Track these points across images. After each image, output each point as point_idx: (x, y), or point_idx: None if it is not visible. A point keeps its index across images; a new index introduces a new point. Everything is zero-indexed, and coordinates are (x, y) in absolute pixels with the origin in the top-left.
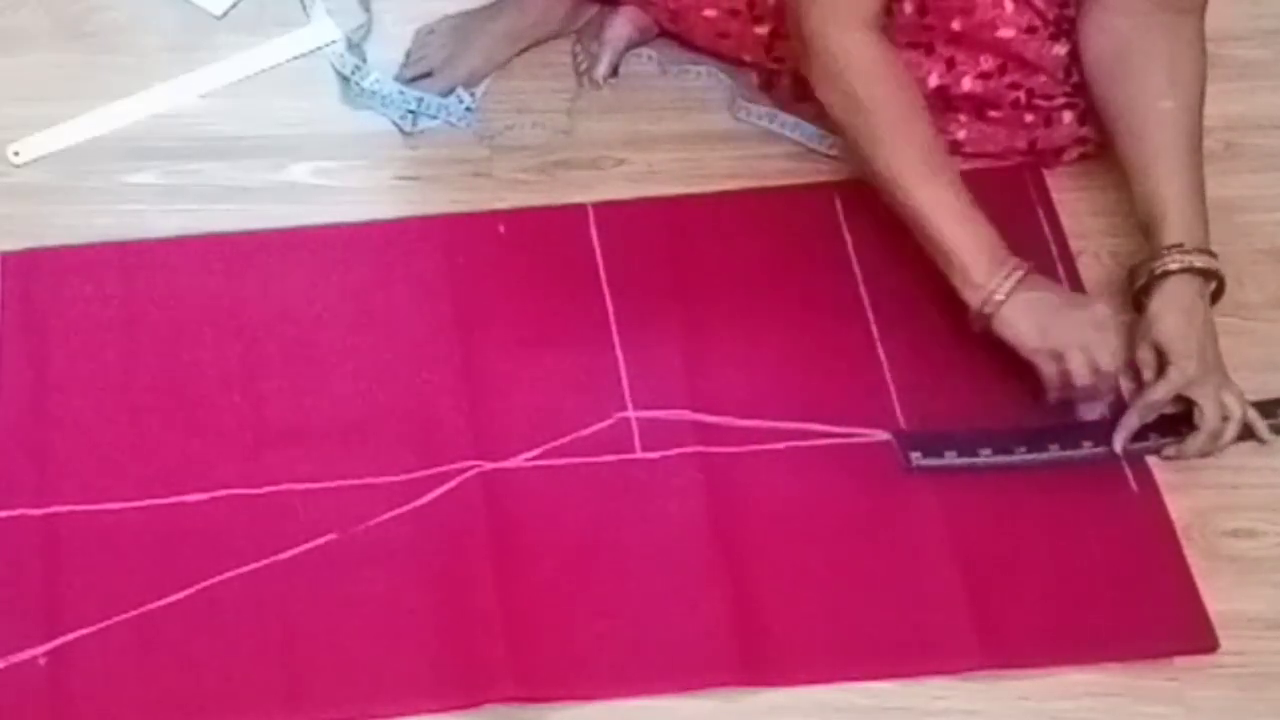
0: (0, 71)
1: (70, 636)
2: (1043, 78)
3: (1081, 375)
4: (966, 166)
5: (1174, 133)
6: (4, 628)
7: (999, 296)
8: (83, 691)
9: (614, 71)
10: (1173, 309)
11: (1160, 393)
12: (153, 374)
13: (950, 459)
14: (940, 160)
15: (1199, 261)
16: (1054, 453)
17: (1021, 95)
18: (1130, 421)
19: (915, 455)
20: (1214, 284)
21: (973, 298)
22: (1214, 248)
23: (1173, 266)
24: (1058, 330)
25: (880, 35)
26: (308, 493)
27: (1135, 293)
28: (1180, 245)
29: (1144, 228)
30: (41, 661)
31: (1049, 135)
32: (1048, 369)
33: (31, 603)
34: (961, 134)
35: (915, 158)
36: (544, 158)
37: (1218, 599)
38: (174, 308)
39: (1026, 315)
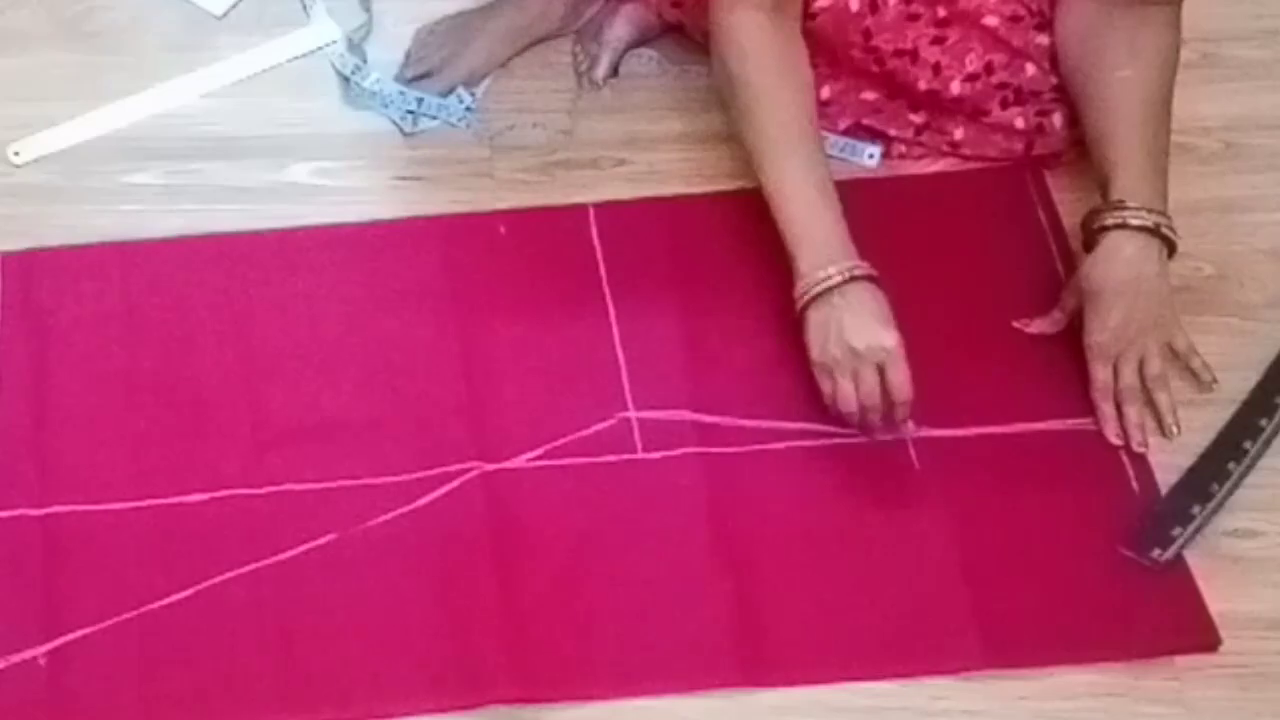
0: (0, 71)
1: (71, 636)
2: (1030, 69)
3: (845, 402)
4: (966, 168)
5: (1129, 99)
6: (4, 627)
7: (809, 296)
8: (83, 691)
9: (614, 72)
10: (1103, 269)
11: (1096, 375)
12: (154, 374)
13: (1178, 533)
14: (801, 143)
15: (1135, 219)
16: (1238, 468)
17: (1010, 94)
18: (1104, 410)
19: (1156, 552)
20: (1161, 243)
21: (796, 284)
22: (1214, 247)
23: (1108, 222)
24: (836, 352)
25: (772, 17)
26: (308, 493)
27: (1083, 248)
28: (1121, 202)
29: (1100, 191)
30: (42, 661)
31: (1045, 142)
32: (821, 385)
33: (32, 602)
34: (959, 133)
35: (774, 136)
36: (544, 158)
37: (1218, 599)
38: (175, 308)
39: (821, 325)
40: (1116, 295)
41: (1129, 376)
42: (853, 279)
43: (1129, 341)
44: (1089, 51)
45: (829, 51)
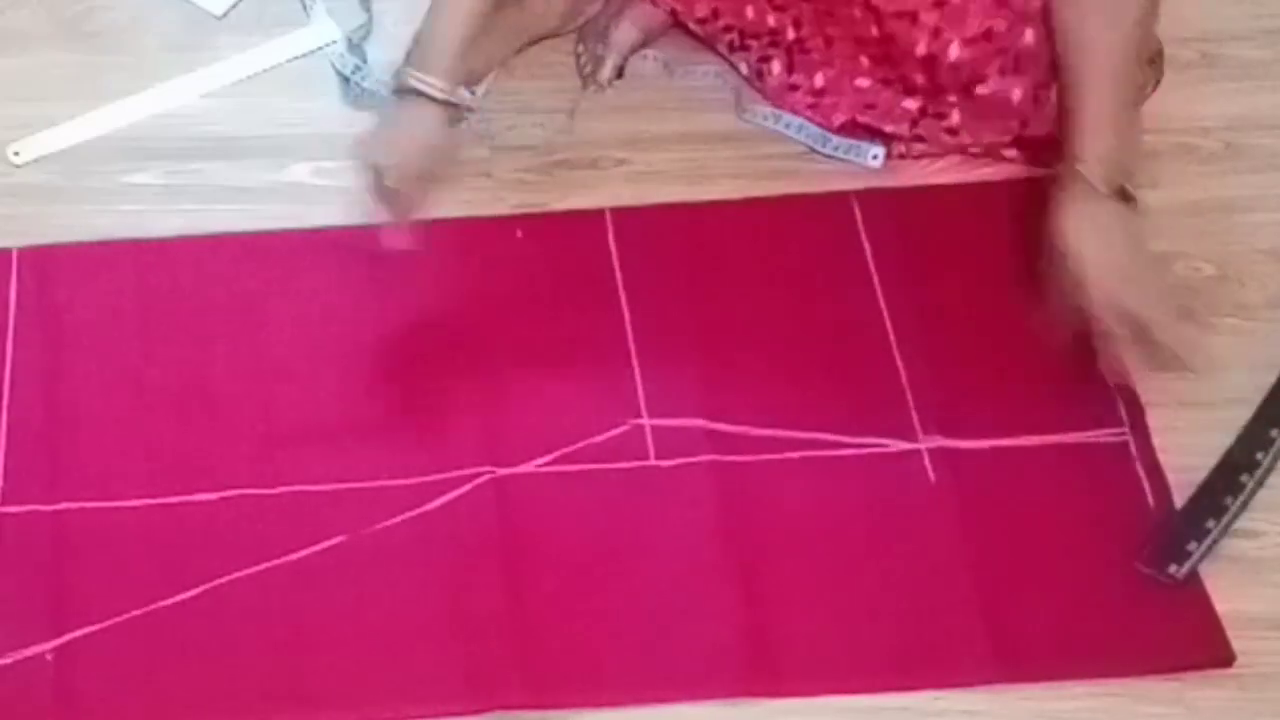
0: (0, 71)
1: (78, 633)
2: (1029, 36)
3: (366, 178)
4: (981, 179)
5: (1095, 56)
6: (12, 623)
7: (401, 85)
8: (89, 688)
9: (619, 74)
10: (1063, 223)
11: (1100, 323)
12: (165, 372)
13: (1194, 548)
14: None
15: (1092, 174)
16: (1250, 480)
17: (1008, 62)
18: (1107, 349)
19: (1173, 568)
20: (1122, 197)
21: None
22: (1214, 247)
23: (1067, 178)
24: (380, 137)
25: None
26: (318, 494)
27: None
28: (1079, 158)
29: (1063, 146)
30: (49, 657)
31: (1038, 116)
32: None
33: (40, 599)
34: (955, 116)
35: None
36: (545, 158)
37: (1219, 599)
38: (188, 307)
39: (397, 112)
40: (1087, 244)
41: (1146, 309)
42: (456, 110)
43: (1122, 282)
44: (1061, 5)
45: (827, 13)
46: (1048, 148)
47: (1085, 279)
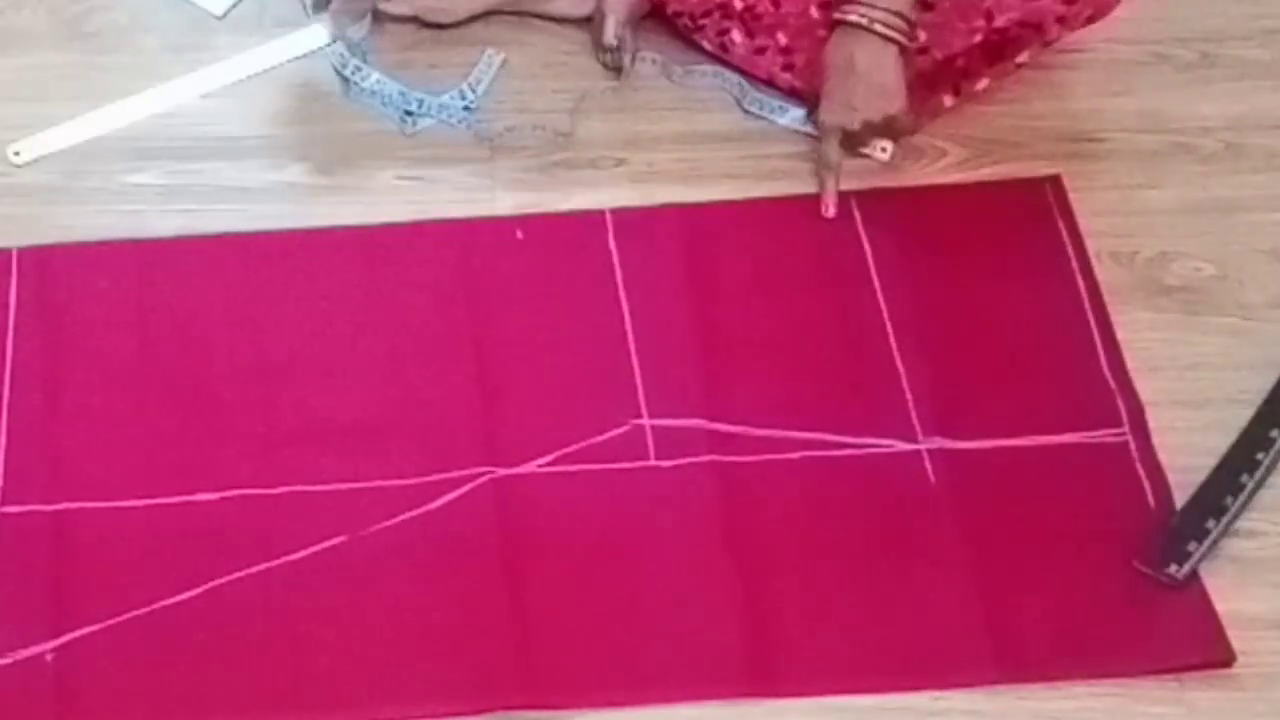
0: (0, 71)
1: (78, 633)
2: None
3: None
4: (985, 178)
5: None
6: (12, 623)
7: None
8: (89, 688)
9: (628, 42)
10: (827, 57)
11: (824, 152)
12: (165, 372)
13: (1194, 548)
14: None
15: (853, 15)
16: (1250, 481)
17: None
18: (828, 185)
19: (1173, 568)
20: (882, 40)
21: None
22: (1214, 247)
23: (836, 16)
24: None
25: None
26: (318, 494)
27: None
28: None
29: None
30: (49, 658)
31: (999, 4)
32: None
33: (40, 599)
34: (920, 34)
35: None
36: (544, 158)
37: (1219, 599)
38: (188, 307)
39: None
40: (837, 79)
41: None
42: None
43: (851, 118)
44: None
45: None
46: (1017, 43)
47: (831, 105)
